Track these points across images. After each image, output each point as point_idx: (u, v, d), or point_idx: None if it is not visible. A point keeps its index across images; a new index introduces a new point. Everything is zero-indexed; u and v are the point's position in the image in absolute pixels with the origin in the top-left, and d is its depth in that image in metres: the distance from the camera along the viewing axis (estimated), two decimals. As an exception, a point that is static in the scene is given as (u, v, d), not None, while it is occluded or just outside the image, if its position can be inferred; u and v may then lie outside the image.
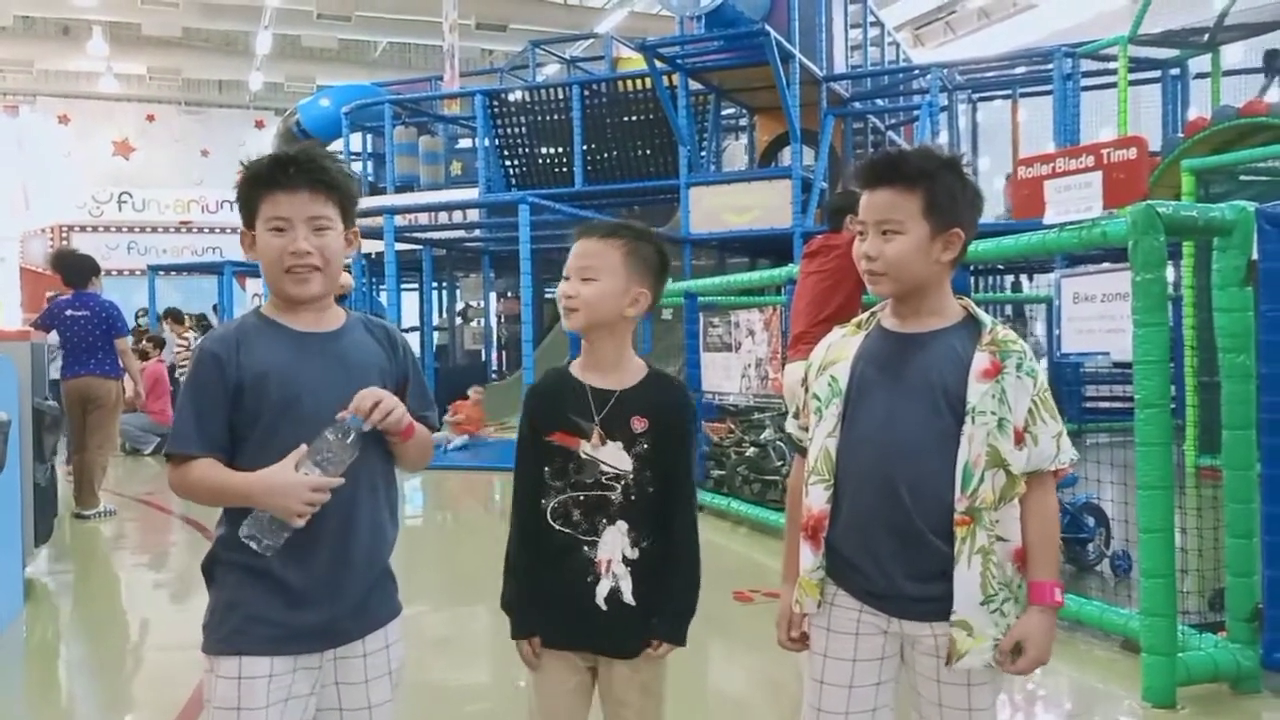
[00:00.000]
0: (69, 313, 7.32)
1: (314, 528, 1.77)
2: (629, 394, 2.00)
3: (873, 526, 1.81)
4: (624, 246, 2.00)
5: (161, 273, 15.00)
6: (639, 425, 1.97)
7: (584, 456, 1.96)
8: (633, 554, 1.97)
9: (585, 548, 1.96)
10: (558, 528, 1.97)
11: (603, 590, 1.96)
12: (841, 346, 1.92)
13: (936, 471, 1.77)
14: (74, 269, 7.51)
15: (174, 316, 12.96)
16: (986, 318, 1.86)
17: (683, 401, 2.07)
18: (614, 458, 1.96)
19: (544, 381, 2.08)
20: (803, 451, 1.97)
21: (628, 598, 1.96)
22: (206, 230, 20.64)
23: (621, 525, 1.96)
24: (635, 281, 2.00)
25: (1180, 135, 9.32)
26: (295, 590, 1.78)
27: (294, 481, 1.73)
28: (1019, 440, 1.79)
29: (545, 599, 1.98)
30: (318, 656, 1.82)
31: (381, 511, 1.90)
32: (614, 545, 1.96)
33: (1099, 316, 3.84)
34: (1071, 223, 3.84)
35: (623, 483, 1.96)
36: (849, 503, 1.84)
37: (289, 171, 1.82)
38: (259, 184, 1.84)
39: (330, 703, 1.85)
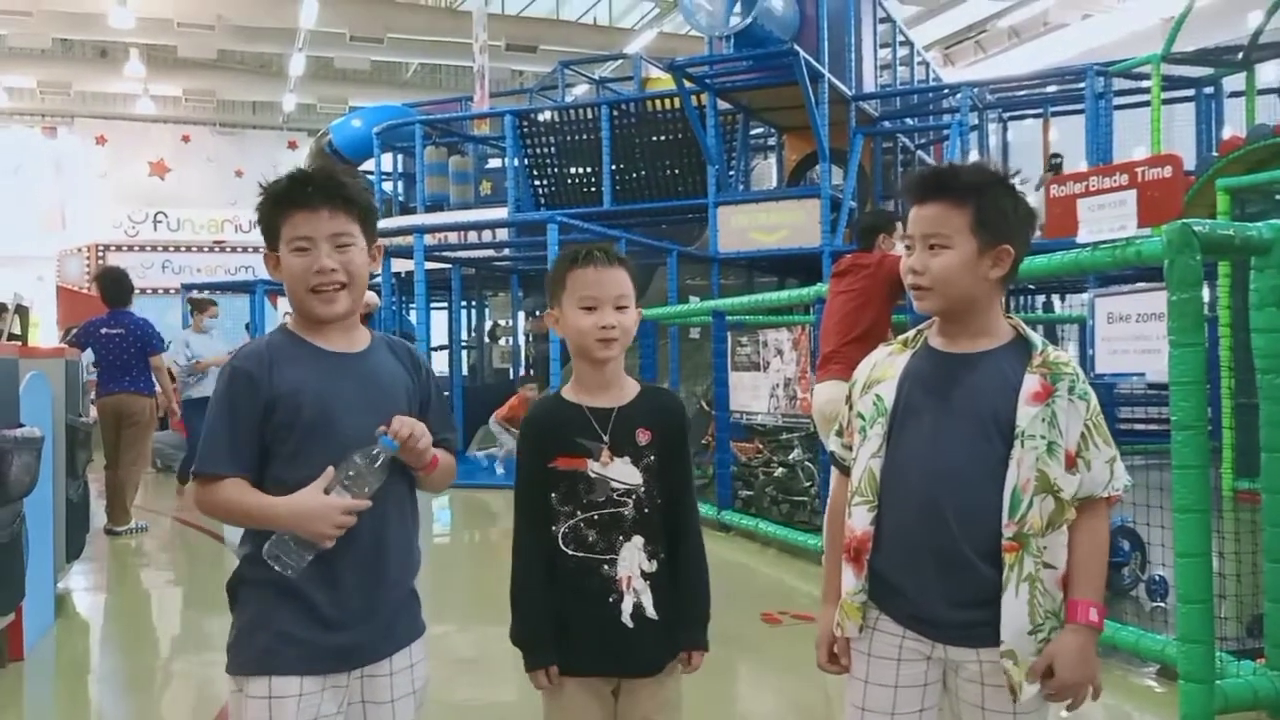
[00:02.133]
0: (104, 331, 7.42)
1: (344, 548, 1.77)
2: (629, 409, 2.01)
3: (917, 551, 1.78)
4: (630, 272, 2.04)
5: (195, 291, 15.13)
6: (644, 438, 1.99)
7: (594, 476, 1.96)
8: (650, 566, 1.98)
9: (605, 567, 1.96)
10: (571, 552, 1.97)
11: (627, 607, 1.95)
12: (887, 365, 1.89)
13: (984, 497, 1.73)
14: (115, 287, 7.62)
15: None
16: (1037, 338, 1.82)
17: (680, 410, 2.11)
18: (623, 473, 1.97)
19: (540, 410, 2.09)
20: (845, 470, 1.94)
21: (651, 612, 1.96)
22: (239, 249, 20.81)
23: (637, 540, 1.97)
24: (635, 305, 2.05)
25: (1215, 154, 9.23)
26: (325, 610, 1.78)
27: (324, 504, 1.73)
28: (1070, 465, 1.75)
29: (567, 626, 1.97)
30: (345, 675, 1.81)
31: (409, 531, 1.91)
32: (632, 561, 1.96)
33: (1134, 337, 3.78)
34: (1105, 241, 3.80)
35: (634, 496, 1.97)
36: (893, 526, 1.81)
37: (307, 190, 1.83)
38: (279, 204, 1.84)
39: None
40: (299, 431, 1.78)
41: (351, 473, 1.74)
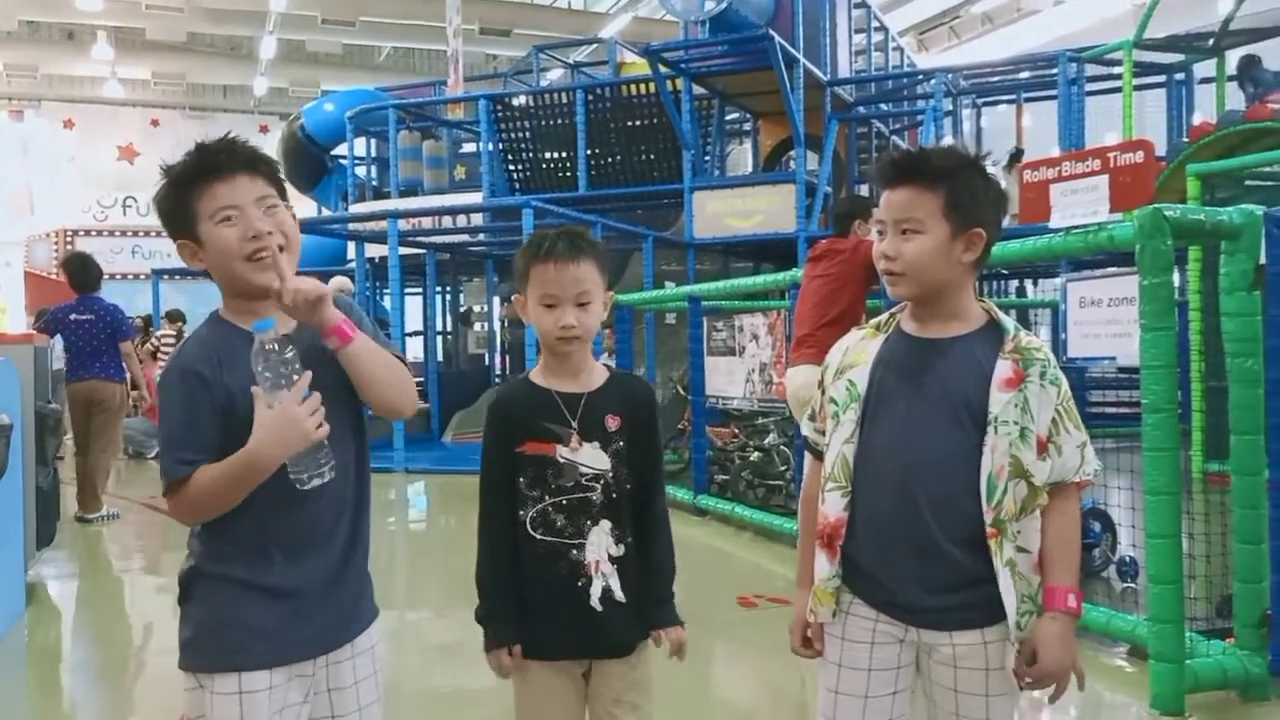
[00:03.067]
0: (73, 317, 7.34)
1: (302, 534, 1.73)
2: (598, 395, 2.01)
3: (890, 537, 1.78)
4: (595, 260, 1.99)
5: (165, 277, 15.00)
6: (613, 424, 1.99)
7: (562, 461, 1.96)
8: (617, 550, 1.98)
9: (573, 551, 1.96)
10: (539, 536, 1.96)
11: (596, 591, 1.95)
12: (860, 350, 1.88)
13: (957, 483, 1.73)
14: (83, 273, 7.53)
15: (171, 318, 13.01)
16: (1009, 323, 1.81)
17: (649, 395, 2.10)
18: (592, 458, 1.97)
19: (508, 394, 2.08)
20: (818, 455, 1.94)
21: (619, 595, 1.97)
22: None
23: (605, 524, 1.97)
24: (604, 291, 2.02)
25: (1185, 140, 9.30)
26: (292, 602, 1.74)
27: (281, 412, 1.63)
28: (1042, 450, 1.75)
29: (537, 611, 1.97)
30: (310, 664, 1.78)
31: (363, 511, 1.85)
32: (600, 545, 1.97)
33: (1105, 321, 3.81)
34: (1078, 227, 3.82)
35: (602, 482, 1.97)
36: (867, 512, 1.81)
37: (220, 159, 1.72)
38: (189, 183, 1.72)
39: (323, 711, 1.81)
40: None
41: (267, 374, 1.64)
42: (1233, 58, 11.37)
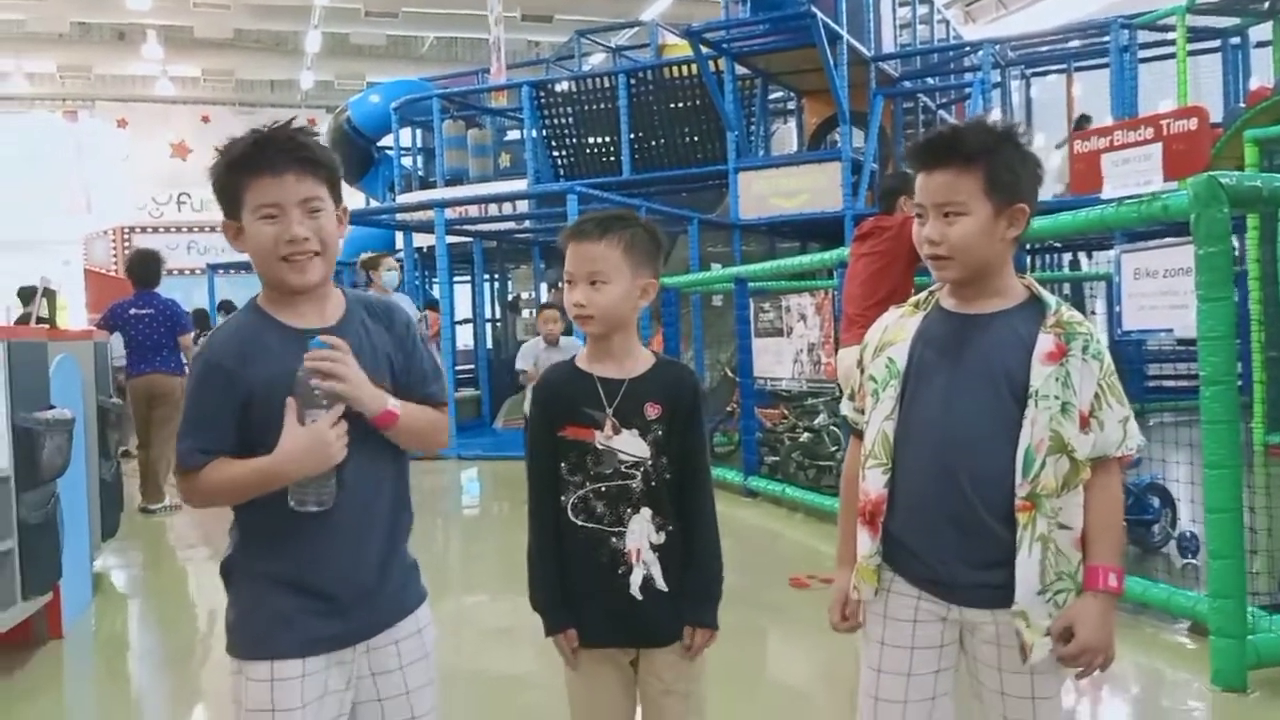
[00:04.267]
0: (133, 312, 7.50)
1: (331, 526, 1.73)
2: (639, 381, 1.99)
3: (931, 513, 1.77)
4: (622, 241, 1.97)
5: (220, 271, 15.25)
6: (653, 411, 1.97)
7: (600, 447, 1.95)
8: (659, 539, 1.96)
9: (613, 539, 1.95)
10: (580, 523, 1.96)
11: (636, 579, 1.95)
12: (899, 327, 1.87)
13: (997, 458, 1.72)
14: (143, 269, 7.71)
15: (228, 310, 13.24)
16: (1051, 298, 1.79)
17: (693, 384, 2.07)
18: (631, 445, 1.96)
19: (552, 377, 2.07)
20: (859, 434, 1.93)
21: (660, 584, 1.96)
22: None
23: (646, 512, 1.96)
24: (640, 273, 2.00)
25: (1242, 105, 9.07)
26: (320, 592, 1.74)
27: (312, 433, 1.65)
28: (1084, 425, 1.72)
29: (579, 596, 1.97)
30: (350, 651, 1.78)
31: (396, 503, 1.84)
32: (641, 533, 1.96)
33: (1161, 292, 3.75)
34: (1131, 197, 3.75)
35: (642, 469, 1.96)
36: (908, 488, 1.80)
37: (270, 153, 1.70)
38: (240, 170, 1.72)
39: (368, 694, 1.81)
40: (277, 425, 1.67)
41: (309, 392, 1.66)
42: (1291, 19, 11.06)
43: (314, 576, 1.73)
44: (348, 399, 1.68)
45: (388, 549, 1.81)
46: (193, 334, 7.95)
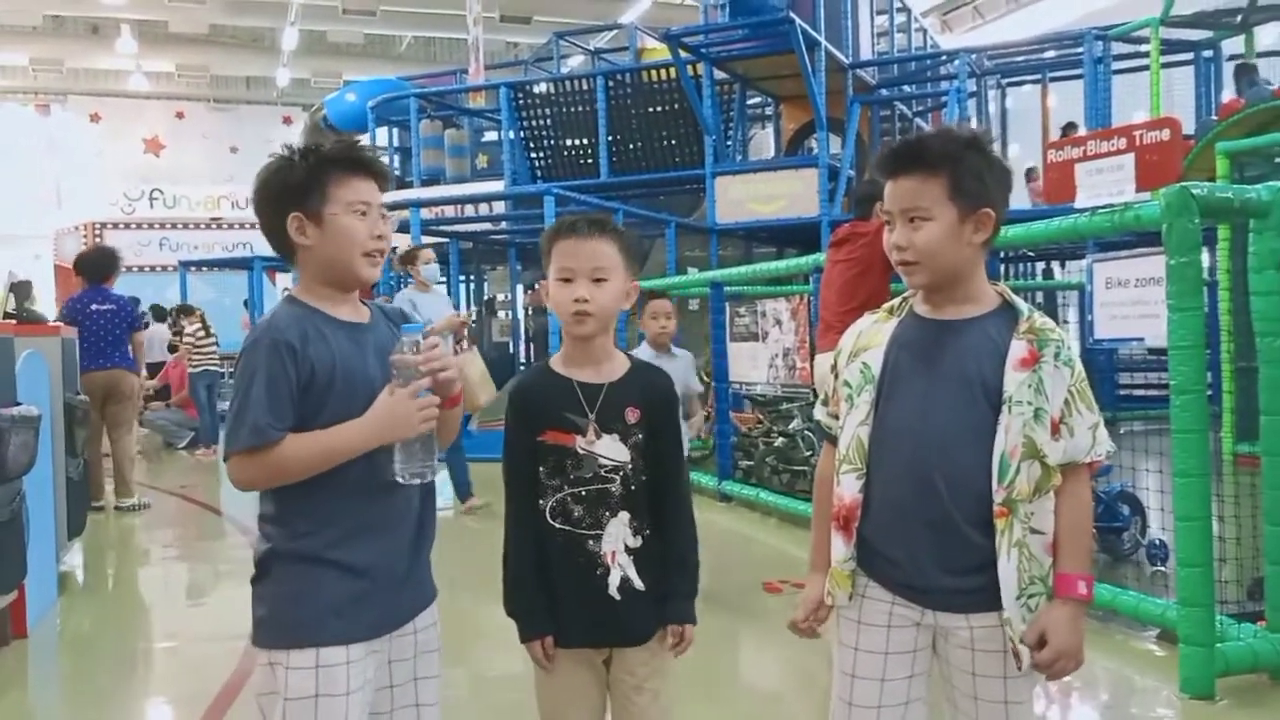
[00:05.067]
0: (94, 307, 7.43)
1: (374, 507, 1.81)
2: (618, 386, 1.99)
3: (907, 518, 1.77)
4: (618, 240, 2.00)
5: (192, 268, 15.12)
6: (633, 416, 1.98)
7: (581, 452, 1.95)
8: (635, 542, 1.97)
9: (590, 542, 1.95)
10: (558, 526, 1.96)
11: (614, 580, 1.95)
12: (873, 333, 1.88)
13: (973, 463, 1.73)
14: (106, 264, 7.67)
15: (186, 310, 13.07)
16: (1023, 305, 1.81)
17: (670, 388, 2.08)
18: (611, 450, 1.96)
19: (529, 381, 2.06)
20: (832, 439, 1.94)
21: (638, 584, 1.96)
22: (236, 226, 20.75)
23: (623, 516, 1.96)
24: (629, 274, 2.02)
25: (1214, 118, 9.18)
26: (368, 578, 1.80)
27: (398, 400, 1.77)
28: (1055, 431, 1.74)
29: (556, 598, 1.97)
30: (380, 640, 1.83)
31: (426, 493, 1.92)
32: (617, 536, 1.96)
33: (1133, 302, 3.77)
34: (1104, 206, 3.78)
35: (621, 474, 1.96)
36: (882, 493, 1.80)
37: (366, 158, 1.89)
38: (334, 165, 1.85)
39: (383, 680, 1.86)
40: (330, 406, 1.78)
41: (396, 371, 1.79)
42: (1262, 34, 11.20)
43: (357, 556, 1.79)
44: (454, 380, 1.85)
45: (418, 536, 1.90)
46: (143, 331, 7.97)
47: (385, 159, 15.36)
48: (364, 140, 15.44)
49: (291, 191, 1.84)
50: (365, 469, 1.78)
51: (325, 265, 1.86)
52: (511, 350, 15.94)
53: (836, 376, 1.93)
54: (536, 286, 15.65)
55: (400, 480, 1.80)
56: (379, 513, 1.82)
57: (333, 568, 1.78)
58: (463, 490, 7.22)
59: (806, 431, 6.82)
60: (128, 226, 20.83)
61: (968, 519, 1.74)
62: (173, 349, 12.72)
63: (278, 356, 1.76)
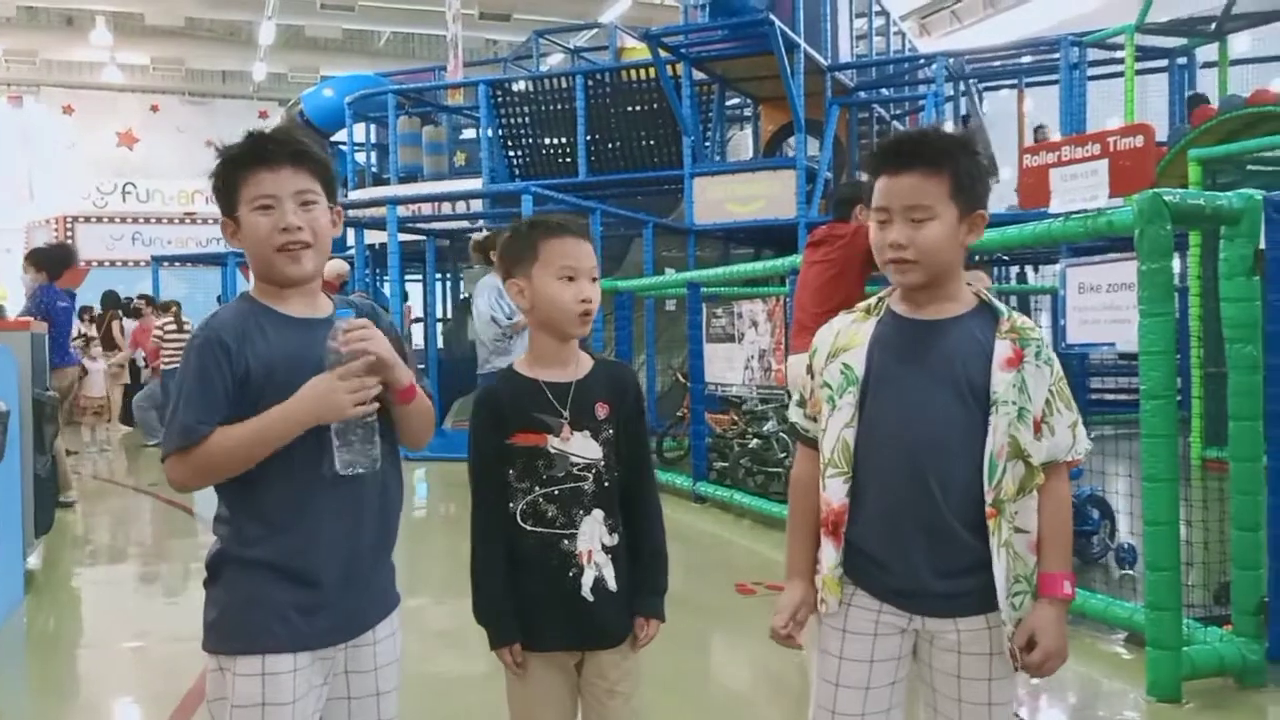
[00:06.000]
0: (60, 304, 7.47)
1: (329, 511, 1.77)
2: (586, 383, 2.00)
3: (901, 521, 1.75)
4: (589, 242, 2.03)
5: (165, 263, 14.98)
6: (602, 411, 1.98)
7: (553, 451, 1.95)
8: (611, 540, 1.97)
9: (565, 542, 1.94)
10: (529, 528, 1.95)
11: (588, 581, 1.94)
12: (852, 333, 1.85)
13: (963, 463, 1.72)
14: (66, 261, 7.77)
15: (164, 307, 12.96)
16: (1001, 305, 1.81)
17: (635, 382, 2.09)
18: (583, 448, 1.96)
19: (496, 386, 2.05)
20: (807, 442, 1.91)
21: (611, 584, 1.96)
22: (210, 221, 20.53)
23: (597, 513, 1.96)
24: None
25: (1187, 125, 9.26)
26: (317, 586, 1.76)
27: (323, 380, 1.71)
28: (1037, 430, 1.75)
29: (528, 603, 1.96)
30: (333, 648, 1.80)
31: (392, 500, 1.90)
32: (592, 535, 1.96)
33: (1105, 307, 3.80)
34: (1077, 212, 3.80)
35: (594, 470, 1.96)
36: (874, 497, 1.78)
37: (268, 148, 1.79)
38: (238, 165, 1.79)
39: (339, 691, 1.83)
40: (267, 401, 1.73)
41: (330, 356, 1.74)
42: (1235, 42, 11.32)
43: (309, 562, 1.76)
44: (382, 366, 1.75)
45: (378, 541, 1.87)
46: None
47: (361, 156, 15.35)
48: (333, 137, 15.39)
49: (218, 198, 1.82)
50: (311, 467, 1.74)
51: (255, 265, 1.83)
52: (488, 349, 15.86)
53: (813, 377, 1.90)
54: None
55: (340, 471, 1.74)
56: (331, 517, 1.77)
57: (280, 573, 1.74)
58: None
59: (781, 433, 6.83)
60: (100, 220, 20.64)
61: (961, 520, 1.73)
62: (137, 313, 12.73)
63: (210, 353, 1.74)
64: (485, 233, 7.62)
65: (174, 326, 11.38)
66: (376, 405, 1.76)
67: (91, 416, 12.82)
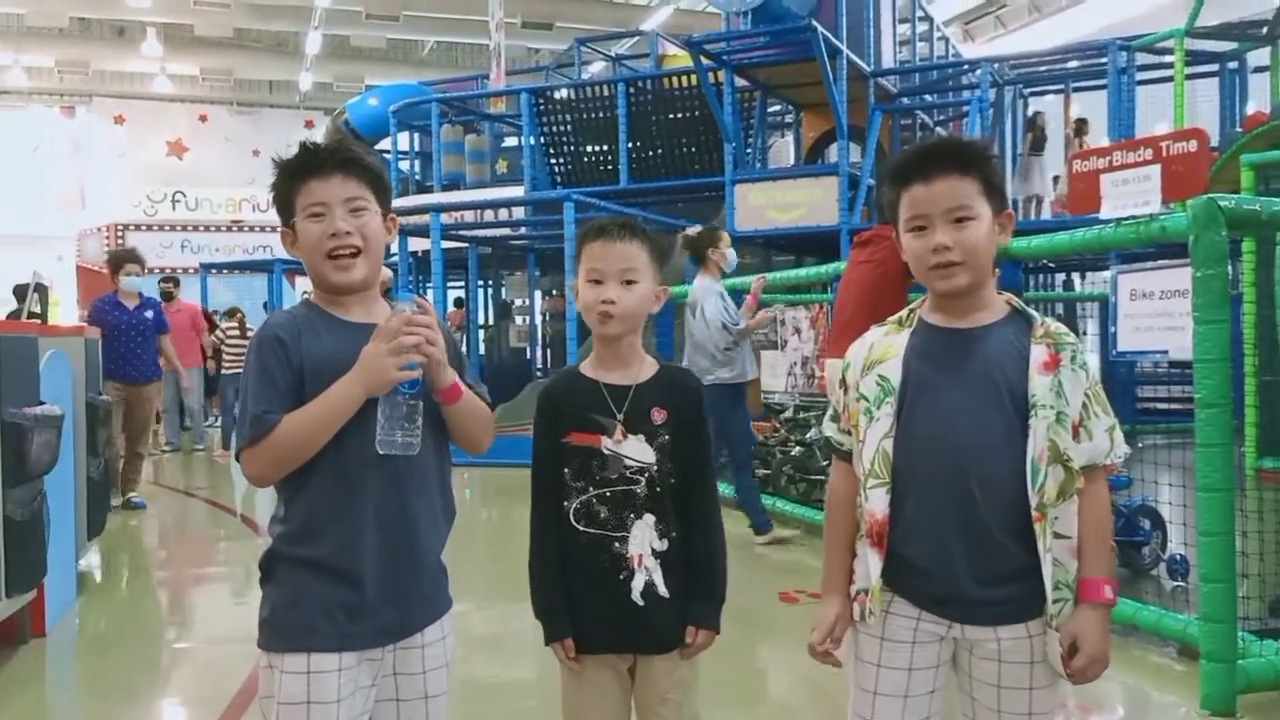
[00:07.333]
0: (111, 314, 7.55)
1: (374, 523, 1.78)
2: (645, 387, 2.00)
3: (945, 529, 1.74)
4: (647, 244, 2.02)
5: (213, 271, 15.21)
6: (659, 417, 1.98)
7: (607, 453, 1.95)
8: (661, 545, 1.96)
9: (615, 544, 1.95)
10: (582, 528, 1.96)
11: (638, 585, 1.94)
12: (886, 345, 1.85)
13: (1005, 469, 1.71)
14: (110, 266, 7.88)
15: (230, 313, 13.13)
16: (1032, 311, 1.82)
17: (698, 389, 2.08)
18: (637, 451, 1.96)
19: (557, 384, 2.08)
20: (843, 456, 1.92)
21: (662, 590, 1.95)
22: (257, 229, 20.89)
23: (649, 518, 1.96)
24: (658, 277, 2.03)
25: (1238, 130, 9.11)
26: (362, 586, 1.78)
27: (370, 350, 1.74)
28: (1075, 434, 1.74)
29: (579, 603, 1.97)
30: (380, 649, 1.82)
31: (436, 505, 1.90)
32: (643, 539, 1.95)
33: (1157, 314, 3.74)
34: (1129, 217, 3.75)
35: (647, 475, 1.96)
36: (916, 505, 1.77)
37: (319, 157, 1.85)
38: (292, 175, 1.85)
39: (388, 693, 1.85)
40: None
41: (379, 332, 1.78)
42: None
43: (353, 562, 1.78)
44: (431, 356, 1.77)
45: (428, 545, 1.88)
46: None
47: (404, 164, 15.49)
48: (377, 146, 15.55)
49: (278, 209, 1.89)
50: (359, 466, 1.77)
51: (309, 271, 1.88)
52: (528, 356, 15.98)
53: (847, 390, 1.90)
54: (554, 293, 15.71)
55: (380, 450, 1.76)
56: (381, 514, 1.79)
57: (326, 571, 1.77)
58: (759, 521, 6.16)
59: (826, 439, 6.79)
60: (150, 229, 21.02)
61: (1003, 526, 1.72)
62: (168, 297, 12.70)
63: (269, 349, 1.79)
64: (698, 228, 7.01)
65: (237, 332, 11.61)
66: (419, 373, 1.78)
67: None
